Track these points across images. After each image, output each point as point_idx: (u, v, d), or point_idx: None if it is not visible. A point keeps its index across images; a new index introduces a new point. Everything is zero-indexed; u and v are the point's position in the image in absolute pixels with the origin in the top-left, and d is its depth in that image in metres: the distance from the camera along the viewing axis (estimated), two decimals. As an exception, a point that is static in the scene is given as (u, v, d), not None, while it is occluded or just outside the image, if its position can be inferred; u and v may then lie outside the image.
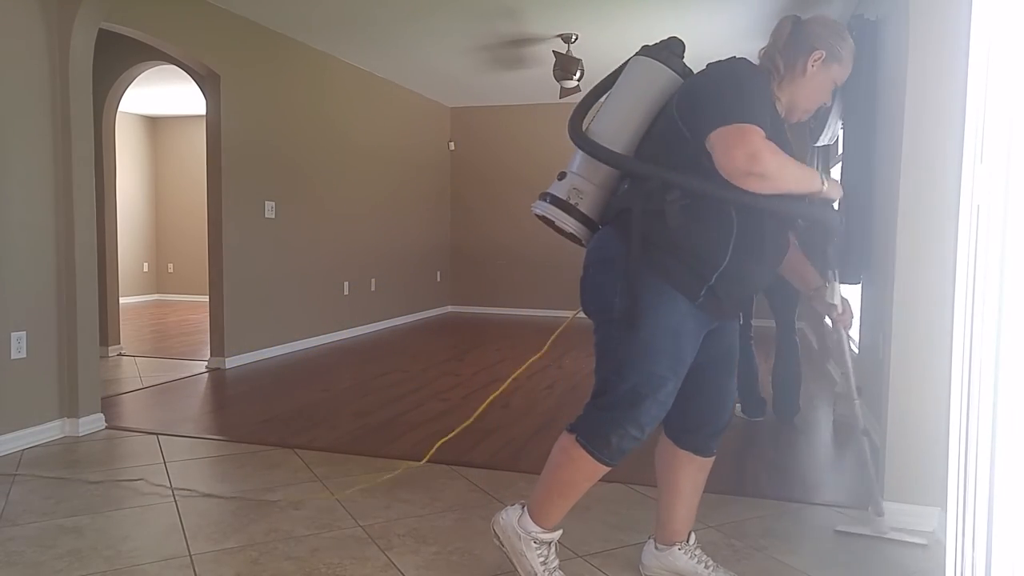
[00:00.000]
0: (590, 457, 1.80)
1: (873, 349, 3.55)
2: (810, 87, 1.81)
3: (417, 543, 2.38)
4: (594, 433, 1.80)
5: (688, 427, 1.99)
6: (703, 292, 1.72)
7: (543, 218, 1.85)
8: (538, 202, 1.84)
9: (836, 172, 5.06)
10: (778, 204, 1.65)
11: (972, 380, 1.72)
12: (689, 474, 2.05)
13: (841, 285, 1.81)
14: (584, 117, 1.83)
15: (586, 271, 1.83)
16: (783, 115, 1.84)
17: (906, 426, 2.53)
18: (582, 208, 1.81)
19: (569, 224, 1.82)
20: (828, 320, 2.15)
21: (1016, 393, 1.48)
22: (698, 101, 1.67)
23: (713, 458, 2.05)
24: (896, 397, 2.55)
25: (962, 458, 1.78)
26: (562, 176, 1.85)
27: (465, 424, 2.88)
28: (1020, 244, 1.48)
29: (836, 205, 1.79)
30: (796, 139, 1.87)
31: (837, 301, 2.07)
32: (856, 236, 4.05)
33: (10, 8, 3.34)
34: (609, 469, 1.83)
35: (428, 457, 2.89)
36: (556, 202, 1.82)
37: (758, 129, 1.56)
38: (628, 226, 1.71)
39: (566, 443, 1.84)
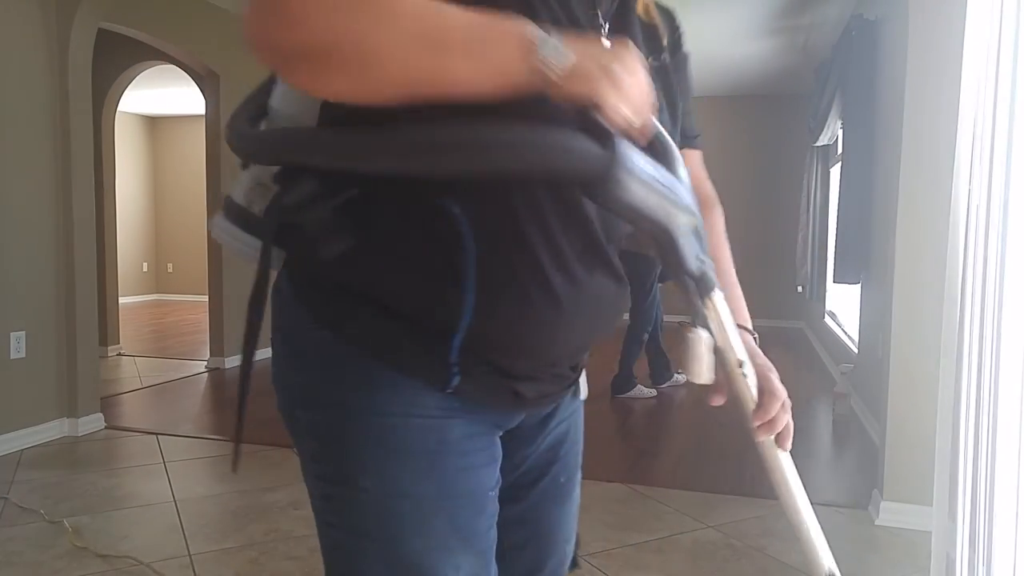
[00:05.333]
0: None
1: (873, 349, 3.55)
2: None
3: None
4: None
5: None
6: (454, 368, 0.76)
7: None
8: (216, 219, 0.91)
9: (836, 172, 5.07)
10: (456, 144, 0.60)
11: (969, 380, 1.72)
12: None
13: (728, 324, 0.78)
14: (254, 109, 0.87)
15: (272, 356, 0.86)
16: None
17: (905, 426, 2.53)
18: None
19: (245, 244, 0.86)
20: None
21: (1013, 392, 1.48)
22: None
23: None
24: (896, 397, 2.55)
25: (958, 457, 1.78)
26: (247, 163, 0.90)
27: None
28: (1020, 244, 1.48)
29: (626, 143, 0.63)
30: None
31: (703, 356, 0.78)
32: (855, 236, 4.06)
33: (9, 8, 3.34)
34: None
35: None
36: (233, 214, 0.88)
37: None
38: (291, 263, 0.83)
39: None
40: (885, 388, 2.59)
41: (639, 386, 4.47)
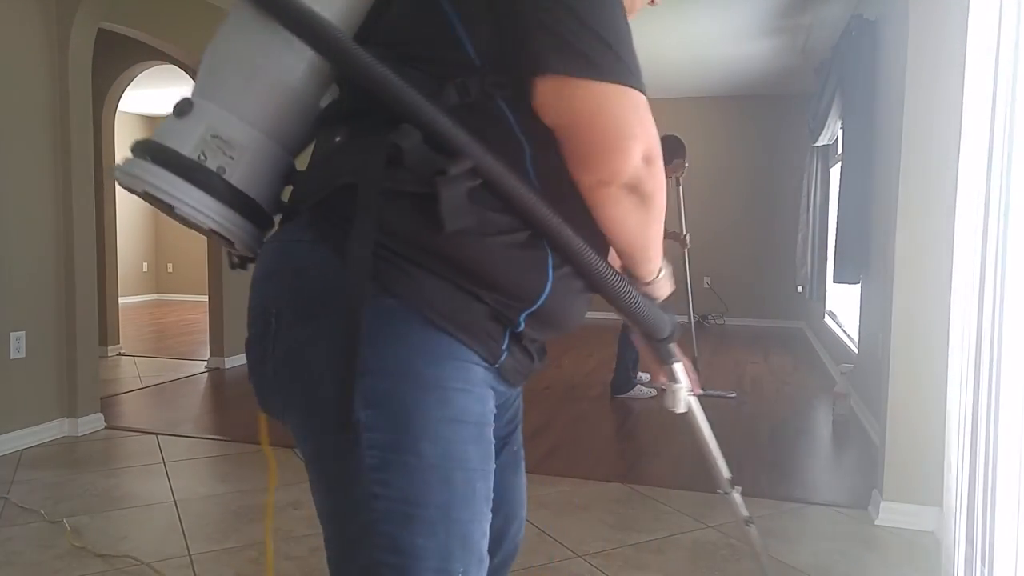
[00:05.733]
0: None
1: (873, 349, 3.55)
2: None
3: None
4: None
5: None
6: (505, 344, 0.86)
7: (147, 196, 0.84)
8: (133, 161, 0.83)
9: (836, 172, 5.07)
10: (597, 271, 0.86)
11: (974, 380, 1.72)
12: None
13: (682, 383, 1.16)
14: None
15: (254, 319, 0.88)
16: None
17: (905, 425, 2.53)
18: (233, 179, 0.84)
19: (204, 209, 0.82)
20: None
21: (1014, 392, 1.48)
22: None
23: None
24: (896, 397, 2.55)
25: (964, 457, 1.78)
26: (184, 109, 0.84)
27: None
28: (1020, 243, 1.48)
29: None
30: None
31: (680, 406, 1.16)
32: (855, 236, 4.06)
33: (9, 8, 3.34)
34: None
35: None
36: (172, 163, 0.82)
37: (646, 101, 0.82)
38: (350, 221, 0.79)
39: None
40: (885, 388, 2.59)
41: (639, 386, 4.47)
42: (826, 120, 4.71)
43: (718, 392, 4.78)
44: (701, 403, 1.23)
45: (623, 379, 4.44)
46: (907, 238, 2.52)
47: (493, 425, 0.87)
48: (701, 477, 3.06)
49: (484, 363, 0.84)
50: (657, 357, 1.09)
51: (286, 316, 0.84)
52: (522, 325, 0.86)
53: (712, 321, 7.83)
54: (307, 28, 0.80)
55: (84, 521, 2.54)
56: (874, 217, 3.76)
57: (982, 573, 1.61)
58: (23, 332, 3.41)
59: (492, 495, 0.87)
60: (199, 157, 0.82)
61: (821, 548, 2.40)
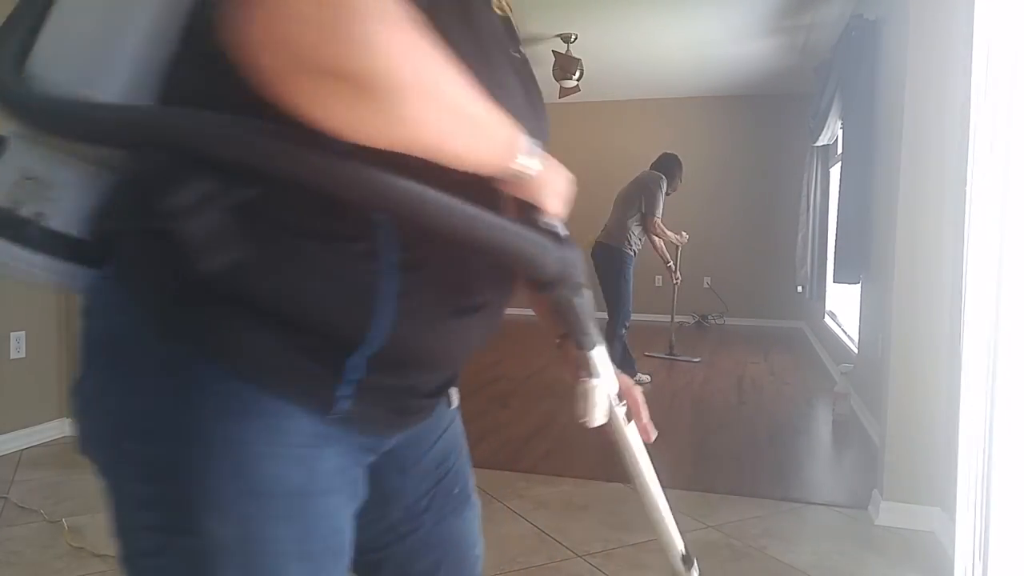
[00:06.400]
0: None
1: (873, 349, 3.55)
2: None
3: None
4: None
5: None
6: (341, 391, 0.67)
7: None
8: None
9: (836, 172, 5.07)
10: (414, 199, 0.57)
11: (971, 380, 1.72)
12: None
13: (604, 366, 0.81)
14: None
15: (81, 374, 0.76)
16: None
17: (905, 426, 2.53)
18: (54, 224, 0.72)
19: (20, 263, 0.74)
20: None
21: (1014, 392, 1.48)
22: None
23: None
24: (896, 397, 2.55)
25: (975, 460, 1.78)
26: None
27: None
28: (1020, 243, 1.48)
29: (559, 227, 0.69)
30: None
31: (595, 415, 0.80)
32: (855, 236, 4.06)
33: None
34: None
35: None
36: None
37: None
38: (131, 267, 0.69)
39: None
40: (885, 388, 2.59)
41: (639, 374, 4.52)
42: (826, 120, 4.72)
43: (684, 357, 5.10)
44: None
45: None
46: (907, 238, 2.52)
47: (345, 491, 0.71)
48: (701, 477, 3.06)
49: (310, 416, 0.65)
50: (567, 333, 0.77)
51: (88, 365, 0.73)
52: (362, 372, 0.66)
53: (712, 321, 7.83)
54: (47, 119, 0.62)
55: (84, 521, 2.53)
56: (874, 217, 3.76)
57: (981, 573, 1.61)
58: (23, 332, 3.41)
59: (339, 571, 0.70)
60: (12, 205, 0.70)
61: (821, 548, 2.40)
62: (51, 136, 0.62)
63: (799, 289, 6.61)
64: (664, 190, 4.69)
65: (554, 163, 0.70)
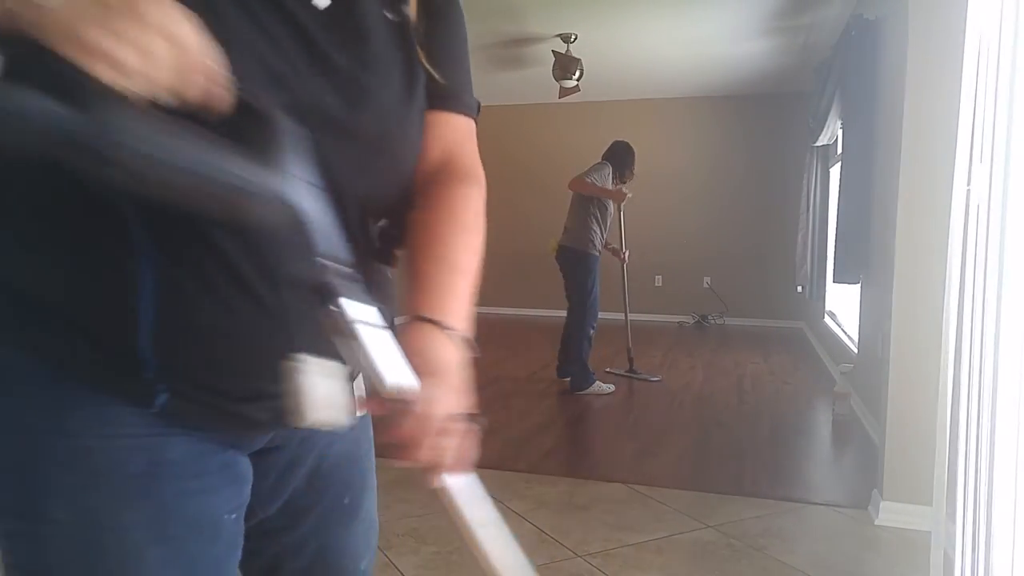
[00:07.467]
0: None
1: (873, 349, 3.55)
2: None
3: (416, 543, 2.38)
4: None
5: None
6: (154, 386, 0.66)
7: None
8: None
9: (836, 172, 5.07)
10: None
11: (969, 379, 1.72)
12: None
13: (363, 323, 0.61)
14: None
15: None
16: None
17: (905, 426, 2.53)
18: None
19: None
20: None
21: (1012, 392, 1.48)
22: None
23: None
24: (896, 397, 2.55)
25: (958, 457, 1.78)
26: None
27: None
28: (1019, 243, 1.48)
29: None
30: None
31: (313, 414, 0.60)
32: (855, 236, 4.06)
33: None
34: None
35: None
36: None
37: None
38: None
39: None
40: (885, 388, 2.59)
41: (597, 382, 4.50)
42: (826, 120, 4.72)
43: (643, 375, 4.92)
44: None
45: (580, 376, 4.47)
46: (907, 238, 2.52)
47: (202, 479, 0.70)
48: (701, 477, 3.06)
49: (135, 407, 0.66)
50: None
51: None
52: (155, 370, 0.64)
53: (712, 321, 7.84)
54: None
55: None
56: (874, 217, 3.76)
57: (981, 573, 1.61)
58: (23, 332, 3.41)
59: (213, 554, 0.70)
60: None
61: (821, 548, 2.40)
62: None
63: (799, 289, 6.61)
64: (607, 174, 4.59)
65: None
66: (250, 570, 0.82)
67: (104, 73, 0.46)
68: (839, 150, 5.05)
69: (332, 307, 0.58)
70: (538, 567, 2.22)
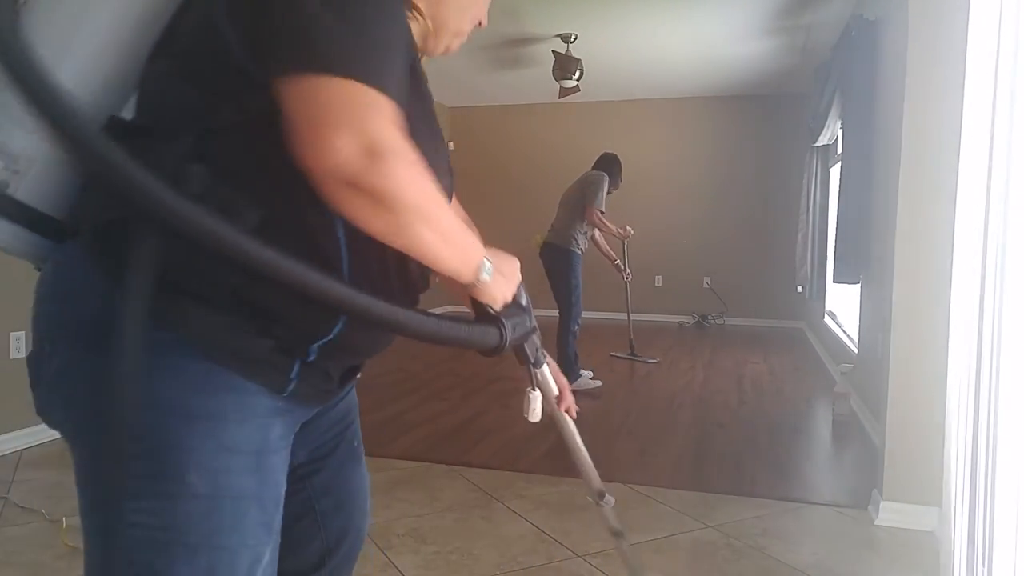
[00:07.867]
0: None
1: (873, 349, 3.56)
2: None
3: (416, 543, 2.38)
4: None
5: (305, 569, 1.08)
6: (294, 373, 0.85)
7: None
8: None
9: (836, 172, 5.07)
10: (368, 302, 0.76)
11: (970, 380, 1.72)
12: None
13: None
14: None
15: (32, 339, 0.95)
16: (422, 52, 0.96)
17: (905, 426, 2.53)
18: (19, 194, 0.83)
19: (33, 248, 0.91)
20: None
21: (1014, 392, 1.48)
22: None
23: None
24: (896, 397, 2.55)
25: (965, 457, 1.78)
26: None
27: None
28: (1019, 243, 1.48)
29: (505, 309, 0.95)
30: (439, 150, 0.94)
31: (533, 415, 1.12)
32: (855, 236, 4.06)
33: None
34: None
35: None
36: None
37: (390, 103, 0.73)
38: (123, 248, 0.75)
39: None
40: (885, 388, 2.59)
41: (583, 377, 4.54)
42: (826, 120, 4.72)
43: (642, 358, 5.40)
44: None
45: (567, 371, 4.48)
46: (907, 238, 2.52)
47: (283, 452, 0.88)
48: (701, 477, 3.06)
49: (269, 394, 0.83)
50: (520, 360, 1.08)
51: (57, 342, 0.87)
52: (313, 355, 0.86)
53: (712, 321, 7.84)
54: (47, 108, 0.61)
55: (84, 521, 2.54)
56: (874, 217, 3.76)
57: (982, 573, 1.61)
58: (23, 332, 3.41)
59: (275, 521, 0.87)
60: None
61: (821, 548, 2.40)
62: (27, 111, 0.61)
63: (799, 289, 6.61)
64: (607, 188, 4.71)
65: (504, 259, 0.95)
66: (284, 518, 0.92)
67: (501, 305, 0.94)
68: (839, 150, 5.05)
69: (537, 371, 1.09)
70: (538, 567, 2.22)
